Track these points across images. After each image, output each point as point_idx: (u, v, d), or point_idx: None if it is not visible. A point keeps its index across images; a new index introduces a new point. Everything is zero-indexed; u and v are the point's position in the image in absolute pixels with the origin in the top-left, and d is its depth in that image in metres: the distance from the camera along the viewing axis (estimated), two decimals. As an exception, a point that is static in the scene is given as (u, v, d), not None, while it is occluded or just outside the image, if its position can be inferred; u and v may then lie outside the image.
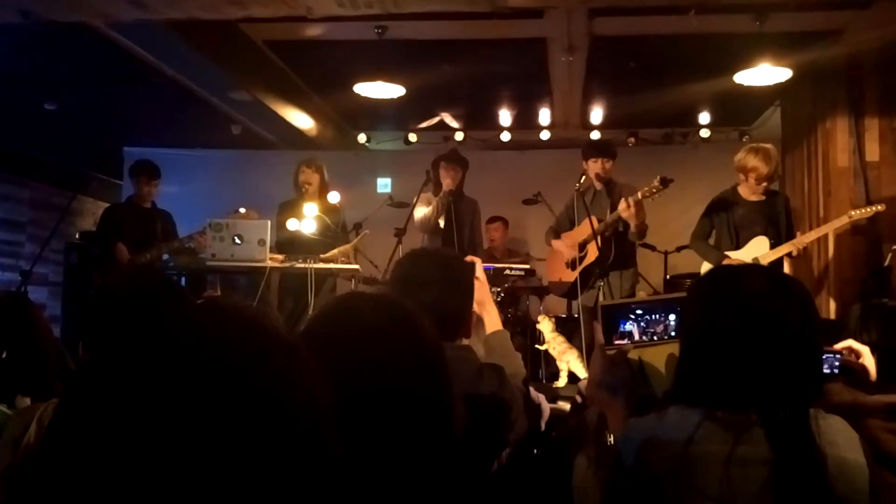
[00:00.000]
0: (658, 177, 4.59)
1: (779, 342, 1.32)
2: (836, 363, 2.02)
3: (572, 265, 5.20)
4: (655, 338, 1.63)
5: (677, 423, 1.30)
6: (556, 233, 5.41)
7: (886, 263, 5.31)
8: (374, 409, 1.05)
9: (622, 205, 4.74)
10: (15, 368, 1.80)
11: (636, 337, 1.65)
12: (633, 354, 1.63)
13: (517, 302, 5.28)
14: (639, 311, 1.66)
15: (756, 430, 1.27)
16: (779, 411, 1.26)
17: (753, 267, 1.46)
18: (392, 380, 1.07)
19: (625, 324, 1.65)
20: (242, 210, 5.32)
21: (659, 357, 1.49)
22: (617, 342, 1.65)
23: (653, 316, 1.65)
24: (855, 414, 1.67)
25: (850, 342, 2.04)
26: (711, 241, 5.01)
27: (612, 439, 1.52)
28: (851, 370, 2.02)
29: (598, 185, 5.13)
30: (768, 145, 4.81)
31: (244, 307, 0.74)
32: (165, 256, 5.51)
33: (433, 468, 1.11)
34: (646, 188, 4.67)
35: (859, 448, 1.29)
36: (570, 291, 5.23)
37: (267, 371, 0.66)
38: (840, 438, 1.29)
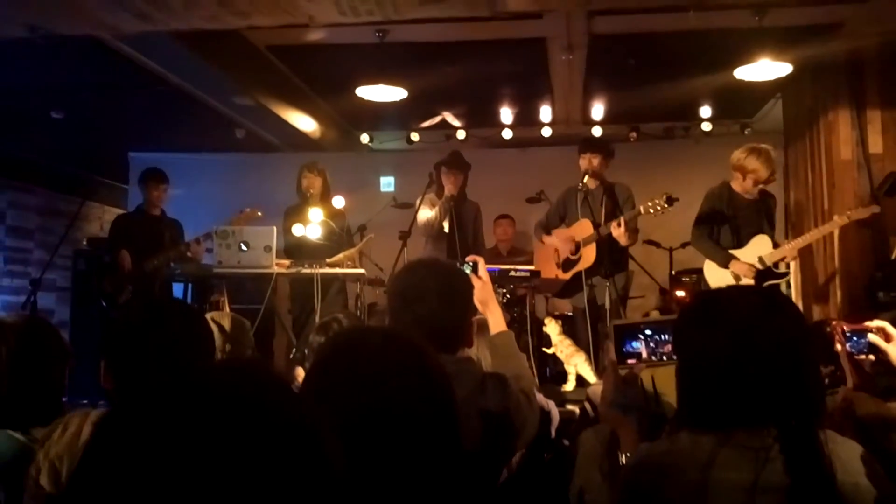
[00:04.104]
0: (664, 195, 4.60)
1: (783, 359, 1.33)
2: (865, 341, 2.03)
3: (564, 266, 5.23)
4: (664, 358, 1.66)
5: (691, 448, 1.31)
6: (546, 229, 5.43)
7: (894, 256, 5.33)
8: (384, 443, 1.08)
9: (613, 224, 4.77)
10: (30, 396, 1.83)
11: (644, 356, 1.68)
12: (645, 374, 1.65)
13: (523, 302, 5.31)
14: (648, 332, 1.68)
15: (773, 456, 1.28)
16: (793, 430, 1.28)
17: (743, 288, 1.49)
18: (401, 414, 1.10)
19: (633, 343, 1.68)
20: (247, 210, 5.38)
21: (671, 377, 1.52)
22: (629, 361, 1.68)
23: (661, 336, 1.67)
24: (881, 428, 1.69)
25: (884, 324, 2.04)
26: (711, 237, 5.02)
27: (623, 458, 1.55)
28: (878, 349, 2.02)
29: (592, 184, 5.15)
30: (768, 146, 4.83)
31: (261, 365, 0.77)
32: (172, 263, 5.57)
33: (443, 492, 1.14)
34: (649, 203, 4.68)
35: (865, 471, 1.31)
36: (563, 291, 5.28)
37: (287, 436, 0.69)
38: (855, 464, 1.31)
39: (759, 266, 4.75)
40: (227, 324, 2.77)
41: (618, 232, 4.75)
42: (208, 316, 2.77)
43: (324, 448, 0.73)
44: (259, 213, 5.39)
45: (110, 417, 0.71)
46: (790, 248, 4.74)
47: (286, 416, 0.71)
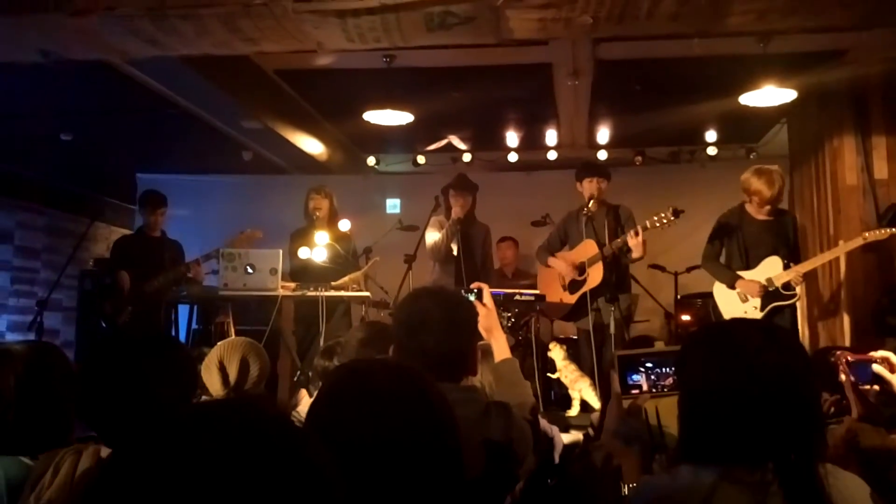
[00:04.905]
0: (670, 207, 4.63)
1: (783, 395, 1.34)
2: (869, 371, 2.03)
3: (570, 288, 5.24)
4: (665, 389, 1.66)
5: (691, 482, 1.31)
6: (549, 252, 5.44)
7: (900, 282, 5.32)
8: (388, 474, 1.09)
9: (630, 234, 4.78)
10: (38, 422, 1.84)
11: (644, 388, 1.68)
12: (649, 405, 1.65)
13: (527, 326, 5.32)
14: (648, 364, 1.69)
15: (773, 491, 1.27)
16: (793, 466, 1.28)
17: (747, 322, 1.49)
18: (404, 445, 1.12)
19: (633, 376, 1.68)
20: (248, 230, 5.40)
21: (675, 408, 1.52)
22: (633, 392, 1.68)
23: (662, 369, 1.67)
24: (885, 460, 1.68)
25: (889, 354, 2.04)
26: (721, 260, 5.02)
27: (626, 489, 1.55)
28: (883, 380, 2.02)
29: (595, 207, 5.18)
30: (774, 167, 4.83)
31: (262, 405, 0.79)
32: (176, 286, 5.59)
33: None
34: (655, 217, 4.70)
35: None
36: (569, 314, 5.29)
37: (289, 475, 0.70)
38: (856, 498, 1.31)
39: (767, 286, 4.75)
40: (233, 370, 2.67)
41: (634, 241, 4.76)
42: (216, 358, 2.72)
43: (327, 484, 0.74)
44: (259, 234, 5.41)
45: (111, 464, 0.72)
46: (794, 271, 4.74)
47: (289, 456, 0.72)
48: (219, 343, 2.89)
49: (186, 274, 5.54)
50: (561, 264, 5.30)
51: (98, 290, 6.46)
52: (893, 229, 4.79)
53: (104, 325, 5.61)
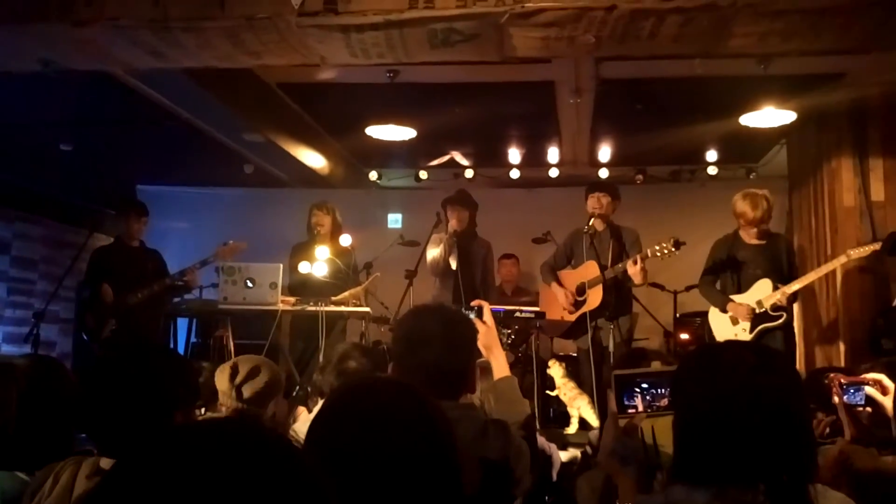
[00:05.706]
0: (672, 239, 4.67)
1: (775, 416, 1.34)
2: (862, 393, 2.04)
3: (571, 307, 5.25)
4: (660, 410, 1.66)
5: (684, 503, 1.32)
6: (553, 269, 5.45)
7: (895, 303, 5.33)
8: (387, 491, 1.10)
9: (629, 262, 4.80)
10: (39, 437, 1.83)
11: (639, 409, 1.68)
12: (645, 424, 1.65)
13: (527, 342, 5.32)
14: (644, 385, 1.69)
15: None
16: (784, 486, 1.28)
17: (740, 343, 1.50)
18: (405, 462, 1.12)
19: (628, 396, 1.68)
20: (231, 242, 5.39)
21: (671, 428, 1.52)
22: (630, 411, 1.68)
23: (658, 389, 1.68)
24: (877, 482, 1.69)
25: (881, 376, 2.05)
26: (717, 285, 5.07)
27: (621, 509, 1.55)
28: (875, 402, 2.04)
29: (600, 226, 5.19)
30: (762, 191, 4.91)
31: (258, 424, 0.79)
32: (177, 299, 5.57)
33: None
34: (657, 247, 4.74)
35: None
36: (569, 332, 5.30)
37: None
38: None
39: (756, 308, 4.79)
40: (244, 370, 2.69)
41: (633, 269, 4.79)
42: (232, 361, 2.74)
43: (322, 502, 0.74)
44: (244, 246, 5.40)
45: (102, 486, 0.71)
46: (781, 292, 4.78)
47: (284, 474, 0.72)
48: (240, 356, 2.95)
49: (174, 284, 5.50)
50: (560, 292, 5.30)
51: (78, 303, 6.41)
52: (875, 245, 4.84)
53: (86, 338, 5.55)
